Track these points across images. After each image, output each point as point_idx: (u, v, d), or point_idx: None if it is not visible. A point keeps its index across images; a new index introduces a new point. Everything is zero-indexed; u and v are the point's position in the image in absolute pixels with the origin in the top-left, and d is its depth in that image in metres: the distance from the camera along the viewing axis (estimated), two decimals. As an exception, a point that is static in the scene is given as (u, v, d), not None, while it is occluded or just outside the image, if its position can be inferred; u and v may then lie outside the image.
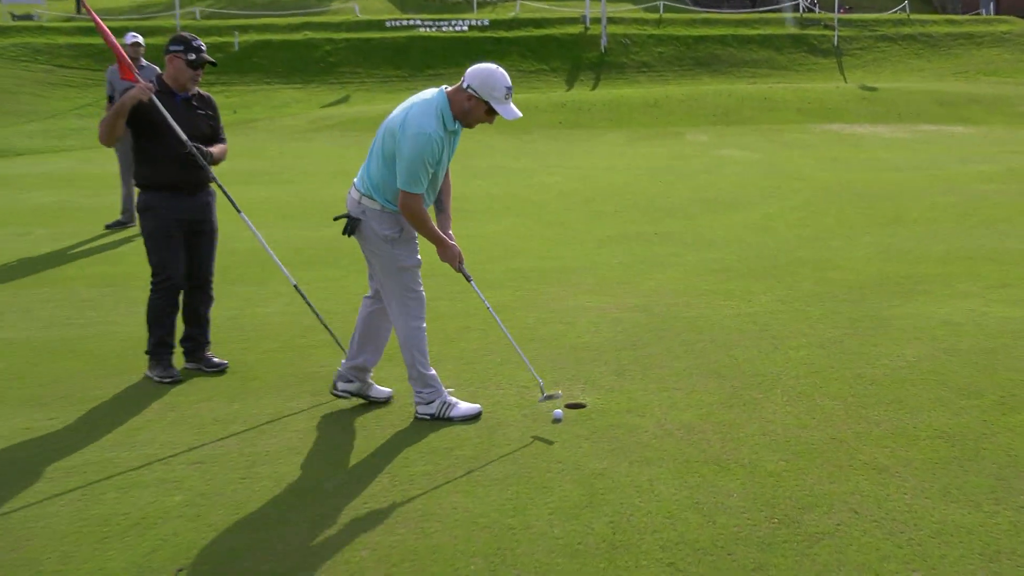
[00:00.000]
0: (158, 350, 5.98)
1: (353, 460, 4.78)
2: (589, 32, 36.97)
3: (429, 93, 5.04)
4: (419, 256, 5.20)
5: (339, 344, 6.12)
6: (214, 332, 6.43)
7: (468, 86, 4.92)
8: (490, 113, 5.02)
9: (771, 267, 8.93)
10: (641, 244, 10.26)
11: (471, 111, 4.99)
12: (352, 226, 5.17)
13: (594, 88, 32.61)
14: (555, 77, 34.16)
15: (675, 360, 6.19)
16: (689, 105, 27.03)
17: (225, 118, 7.40)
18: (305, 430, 5.17)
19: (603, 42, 35.92)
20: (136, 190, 6.08)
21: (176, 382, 5.93)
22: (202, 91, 6.14)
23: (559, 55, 35.63)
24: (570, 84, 33.49)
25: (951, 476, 4.42)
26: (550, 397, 5.31)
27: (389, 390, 5.57)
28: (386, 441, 5.00)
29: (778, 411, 5.26)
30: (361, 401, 5.53)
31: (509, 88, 4.97)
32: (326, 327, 6.21)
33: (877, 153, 19.31)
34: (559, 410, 5.26)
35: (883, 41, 37.65)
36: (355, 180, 5.25)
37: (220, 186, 6.12)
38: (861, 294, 7.80)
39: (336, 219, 5.29)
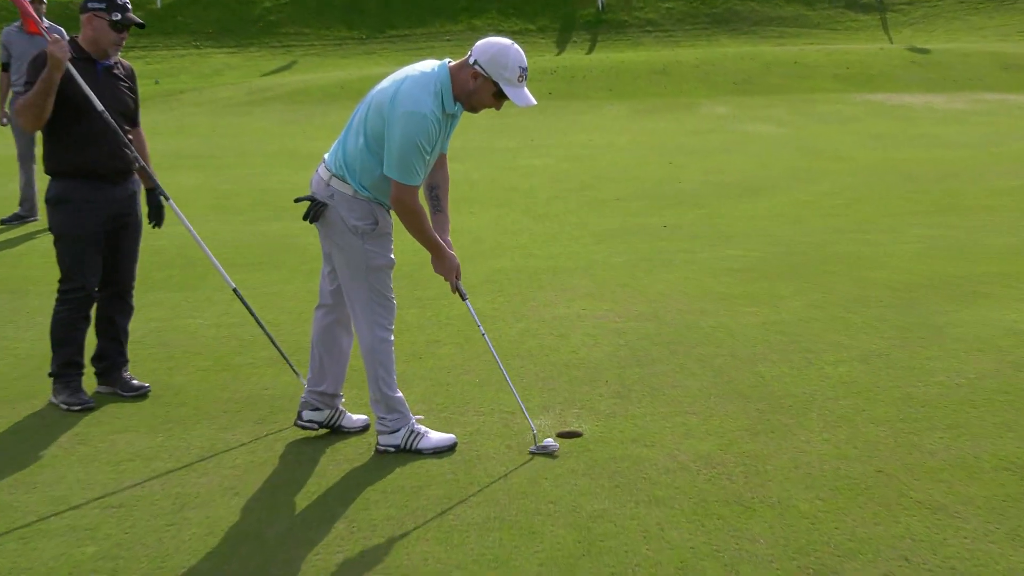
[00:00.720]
0: (65, 372, 5.95)
1: (302, 503, 4.77)
2: (583, -18, 37.07)
3: (428, 65, 5.03)
4: (393, 255, 5.20)
5: (288, 362, 6.11)
6: (133, 348, 6.42)
7: (475, 61, 4.93)
8: (498, 97, 5.03)
9: (802, 266, 8.97)
10: (647, 239, 10.29)
11: (476, 92, 5.00)
12: (316, 211, 5.11)
13: (590, 51, 32.71)
14: (543, 39, 34.25)
15: (689, 379, 6.21)
16: (704, 71, 27.15)
17: (144, 89, 7.38)
18: (244, 466, 5.15)
19: (600, -5, 36.03)
20: (42, 178, 6.07)
21: (88, 409, 5.89)
22: (122, 59, 6.12)
23: (547, 12, 35.75)
24: (561, 47, 33.60)
25: (1021, 516, 4.44)
26: (545, 449, 5.21)
27: (364, 417, 5.57)
28: (342, 479, 4.99)
29: (813, 439, 5.27)
30: (323, 432, 5.52)
31: (524, 69, 5.00)
32: (273, 341, 6.18)
33: (929, 128, 19.43)
34: (551, 439, 5.26)
35: (936, -7, 37.87)
36: (325, 156, 5.23)
37: (146, 169, 6.05)
38: (910, 298, 7.84)
39: (297, 201, 5.24)
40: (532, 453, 5.23)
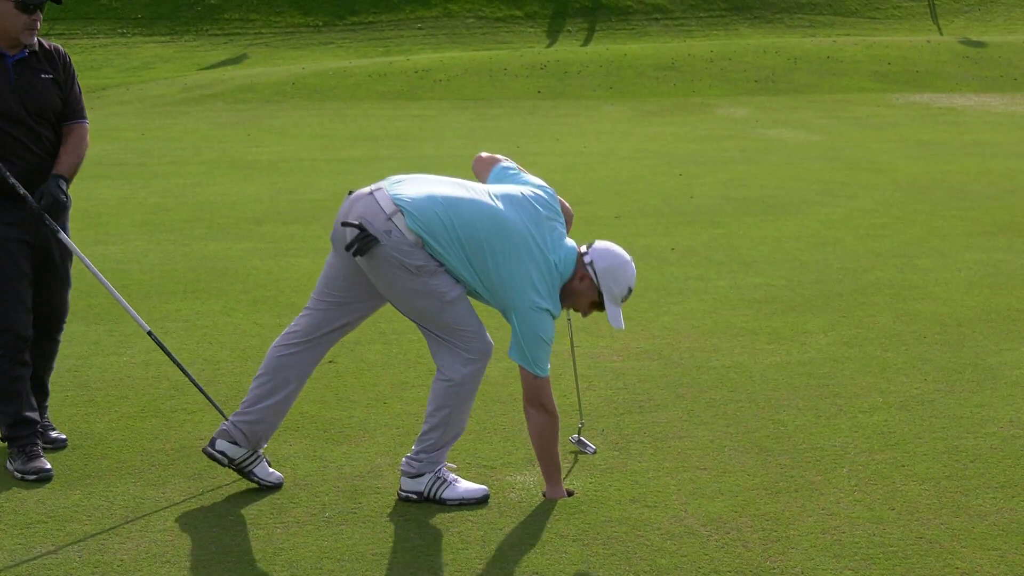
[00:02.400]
0: (19, 432, 5.81)
1: (244, 572, 4.76)
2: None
3: (559, 233, 5.52)
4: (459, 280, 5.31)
5: (219, 409, 6.09)
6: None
7: (591, 263, 5.28)
8: (593, 307, 5.40)
9: (834, 296, 9.02)
10: (652, 264, 10.33)
11: (579, 294, 5.36)
12: (365, 245, 5.06)
13: (586, 43, 32.85)
14: (532, 27, 34.38)
15: (699, 428, 6.24)
16: (720, 67, 27.28)
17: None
18: (175, 529, 5.14)
19: (599, -23, 36.17)
20: None
21: (48, 479, 5.78)
22: (45, 42, 5.93)
23: (535, -4, 35.86)
24: (552, 37, 33.73)
25: (1084, 590, 4.48)
26: (584, 446, 5.67)
27: (280, 475, 5.59)
28: (292, 545, 4.98)
29: (843, 500, 5.29)
30: (250, 485, 5.53)
31: (631, 290, 5.38)
32: (198, 387, 6.16)
33: (984, 134, 19.54)
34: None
35: (992, -24, 38.11)
36: (390, 180, 5.31)
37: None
38: (960, 334, 7.90)
39: (345, 225, 5.14)
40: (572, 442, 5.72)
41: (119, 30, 32.75)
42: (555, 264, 5.28)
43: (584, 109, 23.72)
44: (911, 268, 9.94)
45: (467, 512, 5.23)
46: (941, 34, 32.27)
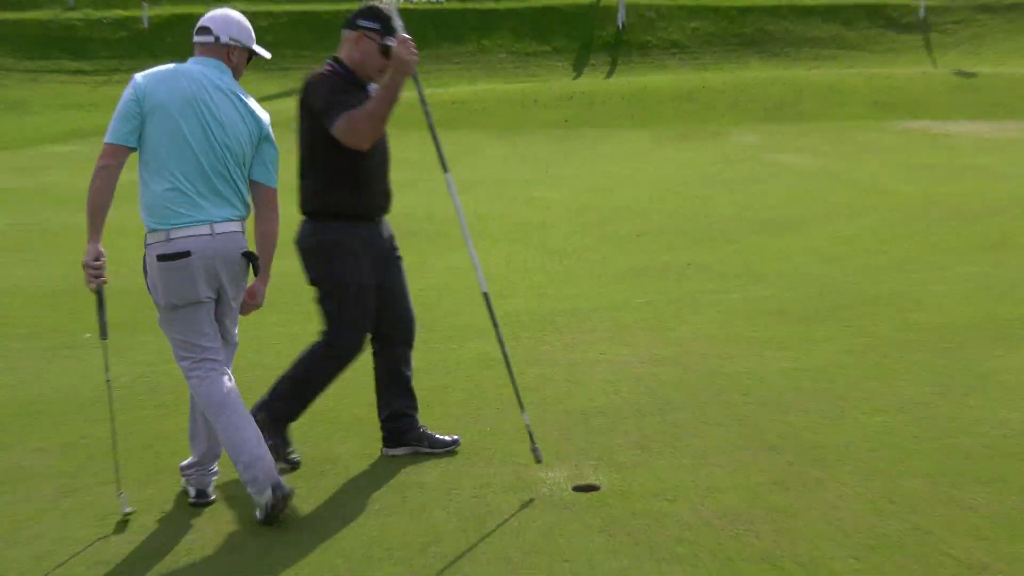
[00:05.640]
0: (287, 421, 5.86)
1: (300, 559, 4.80)
2: (603, 3, 37.27)
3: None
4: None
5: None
6: (121, 395, 6.45)
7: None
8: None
9: (838, 307, 9.02)
10: (671, 278, 10.36)
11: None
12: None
13: (609, 75, 32.86)
14: (559, 62, 34.41)
15: (715, 428, 6.26)
16: (733, 97, 27.25)
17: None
18: (241, 520, 5.20)
19: (621, 16, 36.22)
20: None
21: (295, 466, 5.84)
22: None
23: (564, 33, 35.92)
24: (579, 71, 33.76)
25: (1069, 578, 4.48)
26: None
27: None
28: (346, 534, 5.03)
29: (847, 494, 5.30)
30: (308, 479, 5.58)
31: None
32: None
33: (977, 159, 19.46)
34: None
35: (984, 12, 37.98)
36: None
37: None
38: (955, 342, 7.89)
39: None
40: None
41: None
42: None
43: (608, 136, 23.72)
44: (910, 281, 9.93)
45: (505, 505, 5.26)
46: (935, 66, 32.13)
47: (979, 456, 5.74)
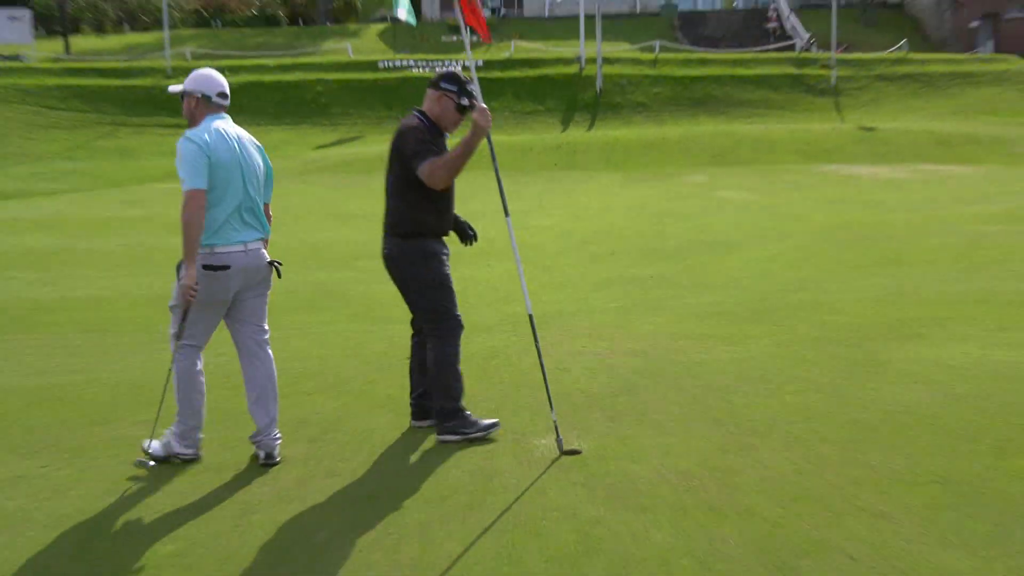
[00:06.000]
0: (460, 404, 5.70)
1: (346, 509, 4.81)
2: (584, 73, 37.34)
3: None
4: None
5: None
6: (209, 379, 6.43)
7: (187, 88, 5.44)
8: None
9: (768, 310, 9.01)
10: (636, 287, 10.34)
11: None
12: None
13: (590, 129, 32.88)
14: (550, 118, 34.43)
15: (671, 406, 6.23)
16: (686, 146, 27.28)
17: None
18: (300, 478, 5.20)
19: (599, 83, 36.29)
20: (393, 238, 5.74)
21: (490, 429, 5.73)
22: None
23: (554, 96, 35.94)
24: (565, 125, 33.78)
25: (948, 522, 4.46)
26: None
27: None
28: (381, 487, 5.04)
29: (775, 456, 5.29)
30: (351, 445, 5.56)
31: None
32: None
33: (875, 194, 19.47)
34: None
35: (881, 80, 38.07)
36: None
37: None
38: (858, 338, 7.86)
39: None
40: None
41: (257, 122, 32.98)
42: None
43: (588, 177, 23.75)
44: (823, 291, 9.92)
45: (506, 466, 5.24)
46: (843, 122, 32.13)
47: (878, 427, 5.73)
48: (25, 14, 40.61)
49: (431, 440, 5.69)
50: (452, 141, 5.64)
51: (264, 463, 5.40)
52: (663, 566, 4.10)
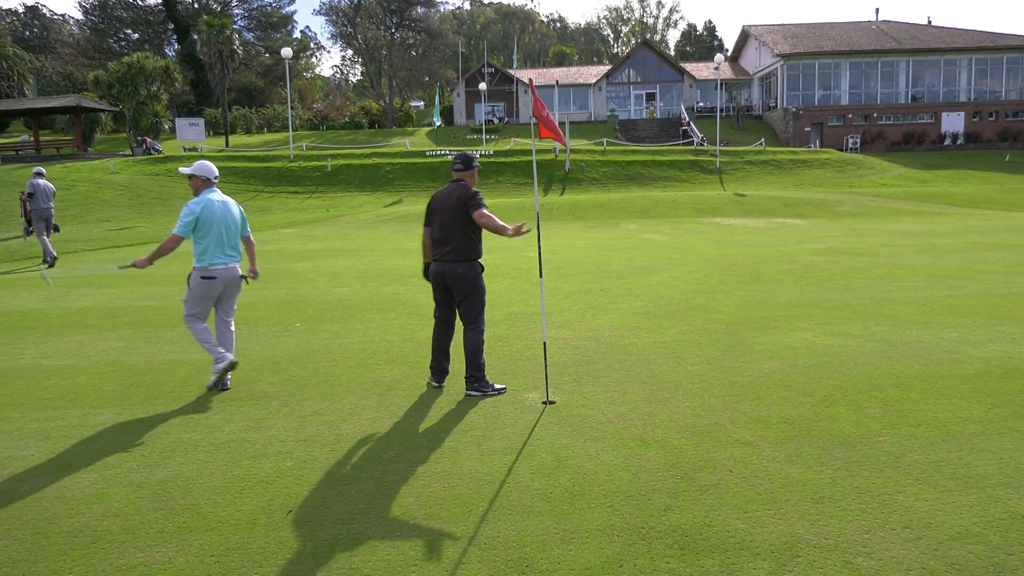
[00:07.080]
0: (485, 373, 5.59)
1: (404, 438, 4.77)
2: (559, 158, 37.35)
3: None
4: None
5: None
6: (299, 356, 6.37)
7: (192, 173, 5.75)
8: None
9: (676, 311, 8.97)
10: (591, 296, 10.31)
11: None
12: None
13: (561, 195, 32.80)
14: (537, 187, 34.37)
15: (613, 372, 6.20)
16: (623, 206, 27.23)
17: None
18: (371, 419, 5.16)
19: (567, 165, 36.28)
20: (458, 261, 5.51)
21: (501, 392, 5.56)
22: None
23: (539, 173, 35.85)
24: (546, 192, 33.73)
25: (792, 448, 4.45)
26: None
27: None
28: (425, 425, 5.00)
29: (680, 406, 5.28)
30: (407, 398, 5.51)
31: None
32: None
33: (744, 236, 19.41)
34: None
35: (749, 164, 38.02)
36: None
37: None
38: (734, 329, 7.83)
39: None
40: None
41: (348, 190, 32.96)
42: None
43: (560, 226, 23.68)
44: (711, 298, 9.86)
45: (506, 411, 5.20)
46: (724, 190, 32.13)
47: (748, 387, 5.69)
48: (200, 121, 41.10)
49: (461, 394, 5.65)
50: None
51: (211, 387, 5.71)
52: (608, 476, 4.07)
